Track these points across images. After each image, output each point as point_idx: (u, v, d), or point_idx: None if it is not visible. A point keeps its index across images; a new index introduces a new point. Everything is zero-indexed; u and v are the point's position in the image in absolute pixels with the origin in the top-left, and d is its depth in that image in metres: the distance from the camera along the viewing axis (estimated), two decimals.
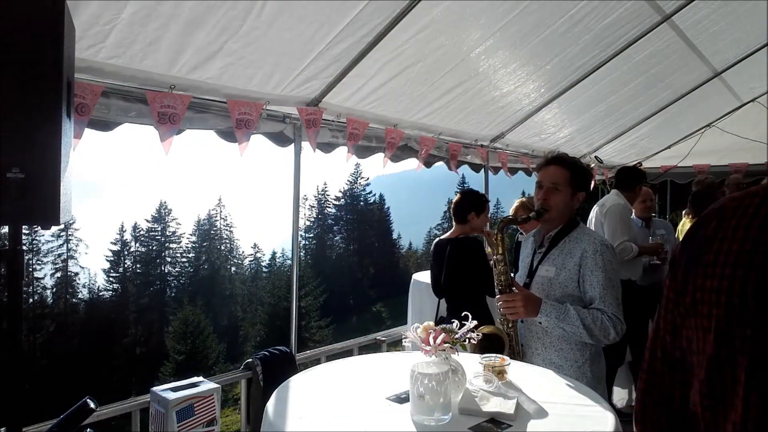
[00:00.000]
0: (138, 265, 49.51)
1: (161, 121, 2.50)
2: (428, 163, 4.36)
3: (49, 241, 44.02)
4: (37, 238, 41.28)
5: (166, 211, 53.08)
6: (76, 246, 45.65)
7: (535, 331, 2.14)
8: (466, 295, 3.23)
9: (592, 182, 6.68)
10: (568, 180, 2.14)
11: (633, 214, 4.36)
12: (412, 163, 4.28)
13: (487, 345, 1.94)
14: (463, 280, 3.27)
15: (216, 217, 58.18)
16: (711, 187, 5.60)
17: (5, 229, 1.43)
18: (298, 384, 1.77)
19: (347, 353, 3.99)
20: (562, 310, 1.98)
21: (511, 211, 4.01)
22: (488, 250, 3.49)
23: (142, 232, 51.09)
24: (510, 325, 2.14)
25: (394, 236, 64.64)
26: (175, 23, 2.23)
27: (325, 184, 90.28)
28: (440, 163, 4.58)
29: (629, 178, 4.21)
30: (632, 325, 4.01)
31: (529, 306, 1.99)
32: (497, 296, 2.12)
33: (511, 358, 1.93)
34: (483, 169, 5.09)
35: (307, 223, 60.41)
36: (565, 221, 2.17)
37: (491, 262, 2.19)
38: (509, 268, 2.14)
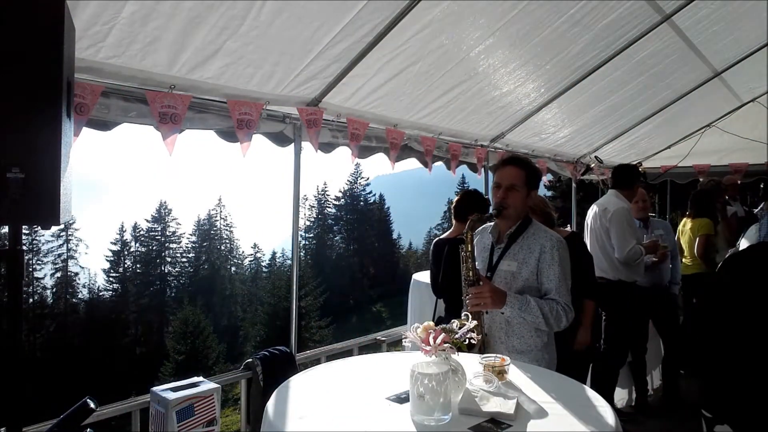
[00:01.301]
0: (138, 265, 49.50)
1: (162, 121, 2.50)
2: (425, 162, 4.34)
3: (49, 241, 44.08)
4: (37, 238, 41.30)
5: (166, 211, 53.11)
6: (76, 246, 45.70)
7: (498, 321, 2.28)
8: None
9: (598, 183, 6.76)
10: (524, 180, 2.30)
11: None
12: (412, 163, 4.29)
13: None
14: (461, 280, 3.26)
15: (216, 217, 58.22)
16: (711, 188, 5.61)
17: (5, 229, 1.43)
18: (298, 384, 1.77)
19: (347, 353, 3.99)
20: (524, 302, 2.16)
21: None
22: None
23: (142, 232, 51.10)
24: (478, 319, 2.23)
25: (394, 236, 64.65)
26: (175, 22, 2.23)
27: (325, 184, 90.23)
28: (440, 163, 4.58)
29: (627, 177, 4.15)
30: (632, 325, 4.06)
31: (495, 298, 2.14)
32: (465, 289, 2.23)
33: (476, 348, 2.00)
34: (483, 169, 5.08)
35: (307, 223, 60.42)
36: (521, 218, 2.33)
37: (461, 257, 2.28)
38: (475, 263, 2.27)
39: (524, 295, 2.19)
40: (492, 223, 2.42)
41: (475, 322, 1.65)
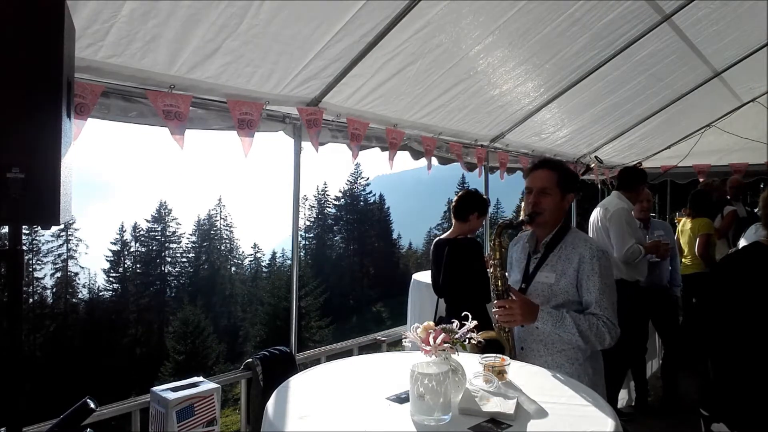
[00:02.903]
0: (138, 265, 49.51)
1: (168, 117, 2.50)
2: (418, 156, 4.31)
3: (49, 241, 44.09)
4: (37, 238, 41.29)
5: (166, 211, 53.11)
6: (76, 246, 45.70)
7: (537, 333, 2.14)
8: (464, 295, 3.23)
9: (597, 183, 6.76)
10: (556, 183, 2.16)
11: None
12: (412, 163, 4.28)
13: (488, 350, 1.95)
14: (461, 281, 3.27)
15: (216, 217, 58.22)
16: (711, 188, 5.61)
17: (5, 229, 1.43)
18: (298, 384, 1.77)
19: (347, 353, 3.99)
20: (559, 317, 2.00)
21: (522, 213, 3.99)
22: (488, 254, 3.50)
23: (142, 232, 51.11)
24: (507, 329, 2.15)
25: (394, 236, 64.66)
26: (174, 20, 2.22)
27: (325, 184, 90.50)
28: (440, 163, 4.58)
29: (632, 179, 4.20)
30: (632, 325, 4.06)
31: (526, 313, 2.00)
32: (493, 301, 2.12)
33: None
34: (483, 169, 5.08)
35: (307, 223, 60.43)
36: (558, 224, 2.20)
37: (489, 265, 2.19)
38: (505, 272, 2.15)
39: (560, 310, 2.02)
40: (529, 231, 2.30)
41: (475, 322, 1.64)
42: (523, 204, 4.05)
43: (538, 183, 2.17)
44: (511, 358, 2.09)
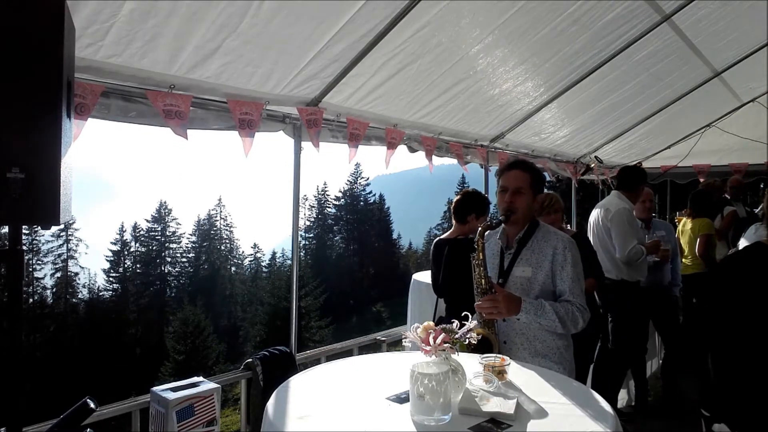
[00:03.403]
0: (138, 265, 49.49)
1: (168, 116, 2.50)
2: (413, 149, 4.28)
3: (49, 241, 44.06)
4: (37, 238, 41.27)
5: (166, 211, 53.10)
6: (76, 246, 45.68)
7: (518, 327, 2.24)
8: (463, 295, 3.22)
9: (598, 183, 6.77)
10: (529, 183, 2.29)
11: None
12: (412, 163, 4.29)
13: (477, 347, 1.98)
14: (461, 280, 3.26)
15: (216, 217, 58.21)
16: (712, 188, 5.61)
17: (5, 229, 1.43)
18: (298, 384, 1.77)
19: (347, 353, 3.99)
20: (539, 306, 2.13)
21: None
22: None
23: (142, 232, 51.10)
24: (491, 325, 2.24)
25: (394, 236, 64.66)
26: (174, 19, 2.22)
27: (325, 184, 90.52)
28: (440, 163, 4.58)
29: (632, 179, 4.18)
30: (633, 325, 4.06)
31: (510, 306, 2.11)
32: (478, 297, 2.20)
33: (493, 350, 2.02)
34: (483, 169, 5.09)
35: (307, 223, 60.41)
36: (528, 222, 2.32)
37: (473, 266, 2.27)
38: (488, 271, 2.24)
39: (539, 299, 2.16)
40: (500, 228, 2.39)
41: (474, 323, 1.65)
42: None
43: (513, 183, 2.29)
44: (499, 352, 2.15)
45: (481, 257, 2.23)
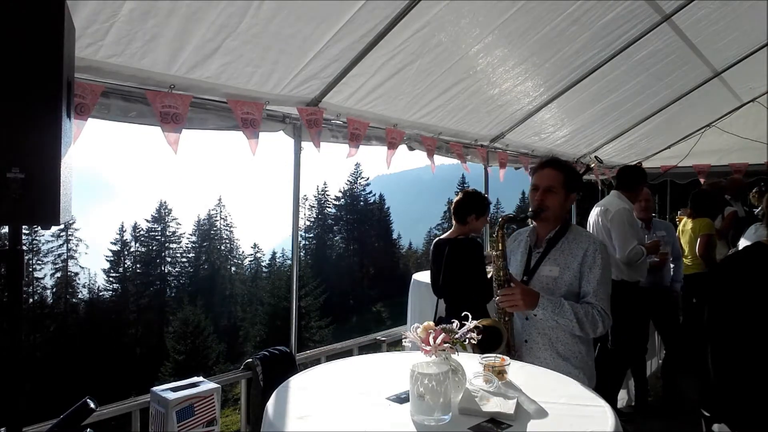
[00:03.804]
0: (138, 265, 49.49)
1: (164, 120, 2.49)
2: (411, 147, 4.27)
3: (49, 241, 44.07)
4: (37, 238, 41.27)
5: (166, 211, 53.10)
6: (76, 246, 45.69)
7: (540, 327, 2.21)
8: (463, 295, 3.23)
9: (597, 183, 6.77)
10: (562, 182, 2.26)
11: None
12: (412, 163, 4.29)
13: (485, 337, 2.01)
14: (461, 280, 3.26)
15: (216, 217, 58.20)
16: (717, 188, 5.60)
17: (5, 229, 1.43)
18: (298, 384, 1.77)
19: (347, 353, 3.99)
20: (558, 304, 2.09)
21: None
22: (487, 251, 3.49)
23: (142, 232, 51.11)
24: (506, 318, 2.22)
25: (394, 236, 64.68)
26: (174, 19, 2.22)
27: (325, 183, 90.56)
28: (440, 163, 4.57)
29: (631, 178, 4.17)
30: (633, 325, 4.06)
31: (527, 299, 2.08)
32: (496, 291, 2.19)
33: (506, 353, 2.03)
34: (483, 169, 5.09)
35: (307, 223, 60.42)
36: (560, 222, 2.29)
37: (491, 257, 2.26)
38: (507, 263, 2.22)
39: (558, 298, 2.12)
40: (530, 227, 2.38)
41: (475, 323, 1.65)
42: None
43: (545, 181, 2.26)
44: (509, 346, 2.16)
45: (500, 248, 2.19)
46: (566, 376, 1.88)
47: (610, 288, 2.20)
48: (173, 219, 53.03)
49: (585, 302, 2.13)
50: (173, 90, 2.53)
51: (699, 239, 4.85)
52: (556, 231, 2.27)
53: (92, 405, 1.45)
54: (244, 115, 2.81)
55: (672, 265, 4.52)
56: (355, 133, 3.49)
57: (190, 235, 54.77)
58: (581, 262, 2.16)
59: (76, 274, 44.70)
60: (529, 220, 2.36)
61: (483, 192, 3.80)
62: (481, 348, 2.05)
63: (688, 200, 5.10)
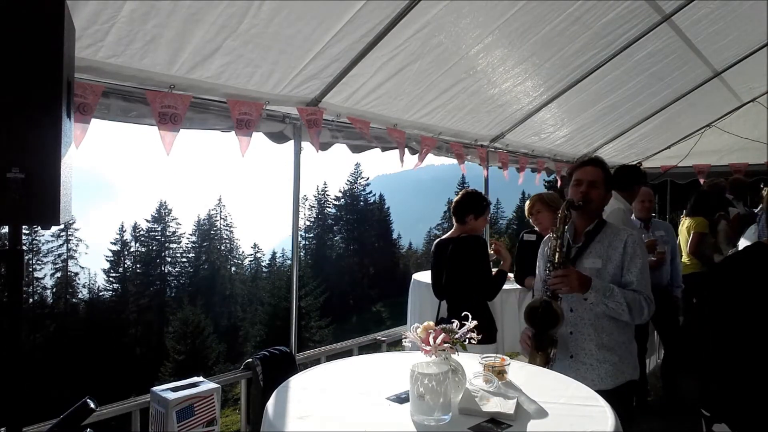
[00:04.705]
0: (138, 265, 49.51)
1: (162, 121, 2.50)
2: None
3: (49, 241, 44.12)
4: (37, 238, 41.30)
5: (166, 211, 53.12)
6: (76, 246, 45.73)
7: (587, 317, 2.28)
8: (466, 294, 3.22)
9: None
10: (603, 179, 2.38)
11: (633, 215, 4.32)
12: (412, 163, 4.28)
13: (543, 315, 2.14)
14: (465, 278, 3.25)
15: (216, 217, 58.22)
16: (713, 189, 5.60)
17: (5, 229, 1.43)
18: (298, 384, 1.77)
19: (347, 353, 3.99)
20: (608, 289, 2.18)
21: (527, 205, 3.94)
22: (490, 251, 3.49)
23: (142, 232, 51.13)
24: (559, 299, 2.27)
25: (394, 236, 64.67)
26: (174, 20, 2.22)
27: (325, 183, 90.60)
28: (440, 163, 4.58)
29: (627, 178, 4.12)
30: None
31: (581, 281, 2.16)
32: (552, 271, 2.23)
33: (549, 342, 2.17)
34: (484, 169, 5.09)
35: (307, 223, 60.43)
36: (598, 216, 2.40)
37: (548, 239, 2.35)
38: (563, 245, 2.28)
39: (608, 283, 2.20)
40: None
41: (475, 322, 1.64)
42: (533, 196, 3.98)
43: (589, 176, 2.37)
44: (560, 323, 2.20)
45: (561, 230, 2.26)
46: (566, 376, 1.88)
47: (649, 277, 2.29)
48: (173, 219, 53.11)
49: (631, 290, 2.21)
50: (173, 90, 2.53)
51: (691, 237, 4.84)
52: (595, 225, 2.36)
53: (92, 405, 1.45)
54: (240, 115, 2.81)
55: (670, 266, 4.50)
56: (360, 133, 3.48)
57: (190, 235, 54.85)
58: (623, 253, 2.26)
59: (76, 274, 44.78)
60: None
61: (483, 192, 3.79)
62: (535, 326, 2.17)
63: (689, 200, 5.10)
